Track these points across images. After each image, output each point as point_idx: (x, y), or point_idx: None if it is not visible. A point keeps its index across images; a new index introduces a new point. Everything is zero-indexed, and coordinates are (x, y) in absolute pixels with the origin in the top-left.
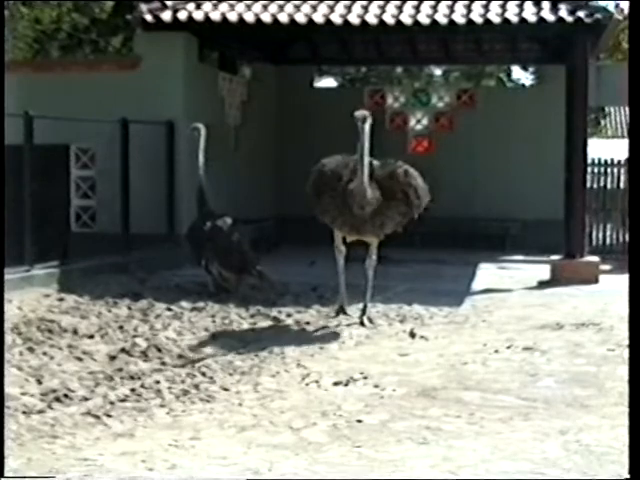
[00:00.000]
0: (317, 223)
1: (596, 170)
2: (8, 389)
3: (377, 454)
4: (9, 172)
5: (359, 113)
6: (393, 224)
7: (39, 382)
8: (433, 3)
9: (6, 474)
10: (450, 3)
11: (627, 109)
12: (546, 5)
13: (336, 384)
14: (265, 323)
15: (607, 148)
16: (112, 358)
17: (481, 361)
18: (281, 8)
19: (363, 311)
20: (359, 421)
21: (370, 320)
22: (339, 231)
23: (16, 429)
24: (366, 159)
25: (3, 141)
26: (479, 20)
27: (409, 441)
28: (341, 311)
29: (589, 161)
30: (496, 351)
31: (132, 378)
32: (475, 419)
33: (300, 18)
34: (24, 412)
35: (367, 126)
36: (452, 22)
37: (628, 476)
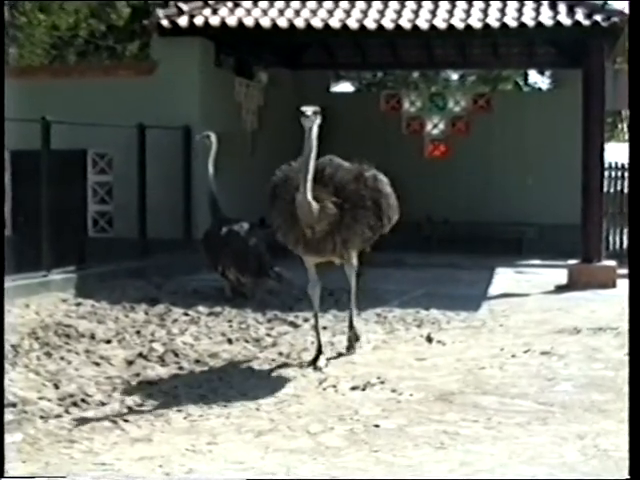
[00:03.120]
0: None
1: (613, 174)
2: (25, 393)
3: (395, 459)
4: (27, 177)
5: (307, 108)
6: (360, 240)
7: (56, 387)
8: (449, 7)
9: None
10: (466, 7)
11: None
12: (563, 9)
13: (353, 389)
14: (282, 328)
15: (624, 152)
16: (129, 363)
17: (498, 365)
18: (297, 13)
19: (349, 338)
20: (376, 426)
21: (351, 342)
22: (295, 251)
23: (34, 433)
24: (311, 166)
25: (3, 143)
26: (495, 24)
27: (427, 446)
28: (318, 358)
29: (606, 165)
30: (513, 355)
31: (149, 383)
32: (492, 424)
33: (316, 23)
34: (41, 417)
35: (315, 125)
36: (468, 26)
37: (628, 476)
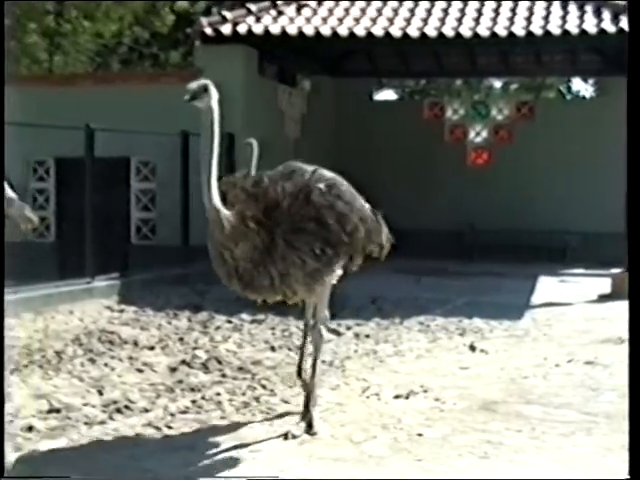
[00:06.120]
0: None
1: None
2: (70, 400)
3: (438, 468)
4: (71, 184)
5: (192, 84)
6: (303, 274)
7: (100, 393)
8: (493, 15)
9: None
10: (510, 15)
11: None
12: (607, 16)
13: (396, 397)
14: (325, 336)
15: None
16: (172, 370)
17: (542, 375)
18: (340, 21)
19: (302, 415)
20: (420, 435)
21: (310, 426)
22: (230, 286)
23: (77, 439)
24: (214, 160)
25: (3, 145)
26: (539, 32)
27: (470, 455)
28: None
29: None
30: (557, 365)
31: (192, 390)
32: (536, 434)
33: (359, 31)
34: (86, 423)
35: (214, 103)
36: (512, 34)
37: (628, 476)
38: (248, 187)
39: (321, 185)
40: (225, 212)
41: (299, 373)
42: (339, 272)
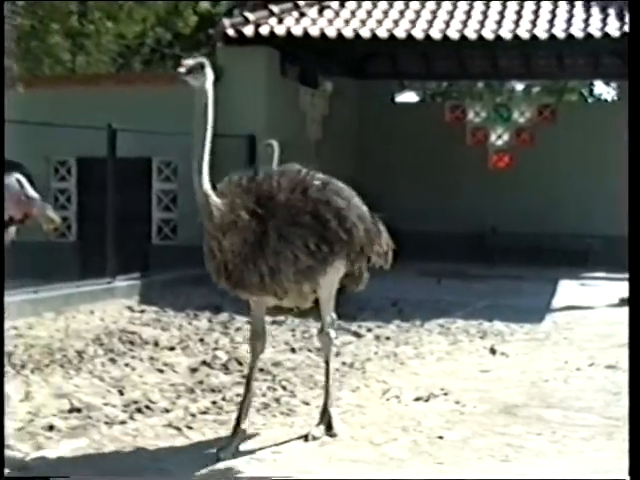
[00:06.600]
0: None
1: None
2: (90, 399)
3: (458, 471)
4: (92, 184)
5: (190, 60)
6: (294, 271)
7: (121, 393)
8: (515, 18)
9: None
10: (532, 18)
11: None
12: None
13: (417, 400)
14: (345, 338)
15: None
16: (193, 370)
17: (563, 379)
18: (363, 23)
19: (321, 416)
20: (440, 437)
21: (329, 428)
22: (219, 283)
23: (99, 439)
24: (207, 142)
25: (3, 146)
26: (561, 35)
27: (490, 458)
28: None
29: None
30: (578, 369)
31: (213, 391)
32: (557, 437)
33: (382, 33)
34: (106, 422)
35: (208, 84)
36: (534, 37)
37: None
38: (243, 182)
39: (317, 182)
40: (215, 199)
41: (238, 421)
42: (337, 276)
